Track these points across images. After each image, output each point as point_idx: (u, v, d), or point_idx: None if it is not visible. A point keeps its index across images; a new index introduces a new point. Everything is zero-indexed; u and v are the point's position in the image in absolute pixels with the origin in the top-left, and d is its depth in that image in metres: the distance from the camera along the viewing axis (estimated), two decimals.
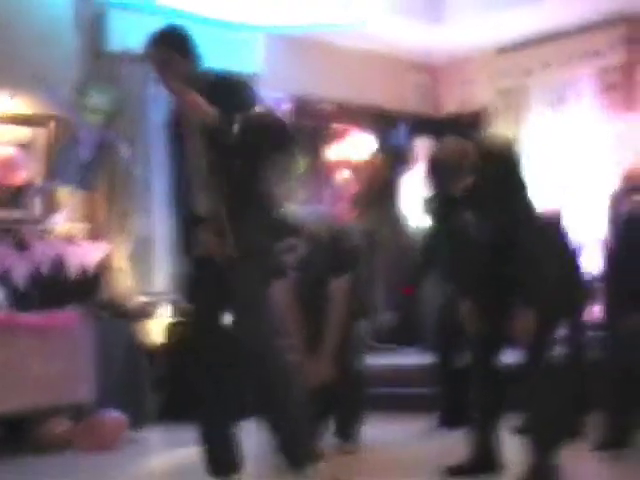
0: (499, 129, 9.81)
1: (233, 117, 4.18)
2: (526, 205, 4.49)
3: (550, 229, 5.68)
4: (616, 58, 9.17)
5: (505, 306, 4.36)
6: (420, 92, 10.76)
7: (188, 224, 4.32)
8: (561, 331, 5.96)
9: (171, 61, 4.40)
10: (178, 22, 8.36)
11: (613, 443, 5.30)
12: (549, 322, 4.52)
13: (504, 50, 10.09)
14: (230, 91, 4.32)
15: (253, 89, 4.48)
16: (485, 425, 4.72)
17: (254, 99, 4.44)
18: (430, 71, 10.82)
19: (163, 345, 7.65)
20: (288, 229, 5.46)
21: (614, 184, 8.54)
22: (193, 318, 4.51)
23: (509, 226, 4.34)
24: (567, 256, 5.97)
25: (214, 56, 8.80)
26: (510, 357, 4.63)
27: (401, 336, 9.46)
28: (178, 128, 4.35)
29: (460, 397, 6.08)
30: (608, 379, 5.45)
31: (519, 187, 4.49)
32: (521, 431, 4.86)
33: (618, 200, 8.30)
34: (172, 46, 4.46)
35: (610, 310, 5.60)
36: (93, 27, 8.21)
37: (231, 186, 4.17)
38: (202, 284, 4.32)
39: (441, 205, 4.69)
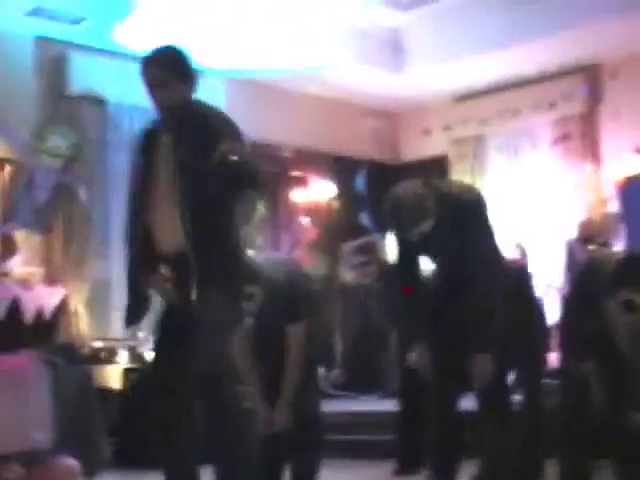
0: (456, 177, 9.89)
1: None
2: (488, 250, 4.47)
3: (514, 275, 5.70)
4: (572, 108, 9.30)
5: (462, 351, 4.34)
6: (378, 139, 10.85)
7: (144, 264, 4.15)
8: (519, 378, 6.01)
9: (167, 84, 4.05)
10: (138, 64, 8.48)
11: None
12: (502, 369, 4.51)
13: (461, 99, 10.21)
14: (217, 125, 3.96)
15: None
16: (443, 472, 4.70)
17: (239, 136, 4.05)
18: (389, 118, 10.91)
19: (119, 391, 7.58)
20: (247, 275, 5.44)
21: (570, 233, 8.65)
22: (153, 366, 4.40)
23: (465, 271, 4.31)
24: (528, 303, 6.00)
25: None
26: (470, 403, 4.63)
27: (360, 383, 9.47)
28: (150, 150, 4.06)
29: (418, 443, 6.08)
30: (562, 426, 5.47)
31: (480, 233, 4.47)
32: (477, 479, 4.85)
33: (574, 249, 8.40)
34: (168, 68, 4.10)
35: (564, 357, 5.62)
36: (54, 69, 8.20)
37: (201, 219, 3.90)
38: (164, 331, 4.25)
39: (398, 246, 4.63)
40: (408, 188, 4.33)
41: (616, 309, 4.32)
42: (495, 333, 4.30)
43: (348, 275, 6.54)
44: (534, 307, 6.21)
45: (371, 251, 6.12)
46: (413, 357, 4.53)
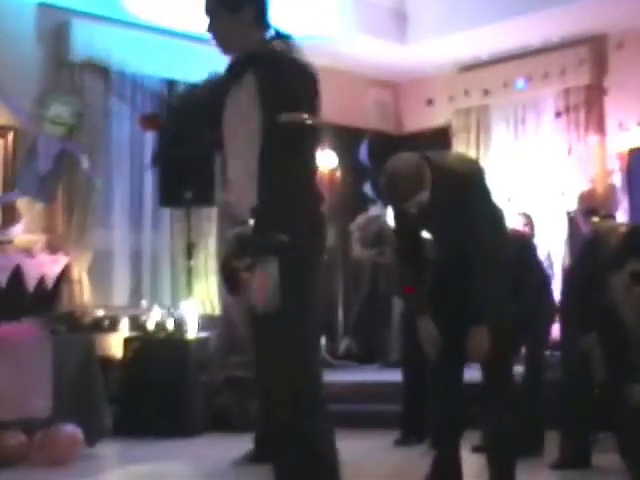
0: (459, 148, 9.86)
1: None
2: (487, 221, 4.44)
3: (518, 245, 5.68)
4: (577, 79, 9.25)
5: (464, 323, 4.33)
6: (381, 110, 10.81)
7: None
8: (522, 349, 6.01)
9: (216, 16, 3.49)
10: (143, 33, 8.42)
11: (571, 462, 5.33)
12: (503, 340, 4.50)
13: (465, 69, 10.16)
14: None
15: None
16: (446, 443, 4.71)
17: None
18: (392, 89, 10.87)
19: (121, 359, 7.60)
20: (247, 245, 5.43)
21: (572, 205, 8.62)
22: None
23: (466, 243, 4.29)
24: (532, 272, 5.99)
25: (178, 67, 8.87)
26: (472, 374, 4.63)
27: (363, 353, 9.51)
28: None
29: (421, 414, 6.10)
30: (563, 398, 5.48)
31: (478, 204, 4.43)
32: (480, 449, 4.87)
33: (576, 221, 8.38)
34: None
35: (566, 330, 5.63)
36: (56, 36, 8.16)
37: None
38: None
39: (396, 220, 4.60)
40: (403, 159, 4.30)
41: (622, 281, 4.31)
42: (495, 303, 4.28)
43: (362, 253, 6.51)
44: (540, 277, 6.20)
45: (383, 239, 6.10)
46: (419, 327, 4.48)
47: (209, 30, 3.52)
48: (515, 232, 6.17)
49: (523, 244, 6.08)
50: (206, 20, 3.50)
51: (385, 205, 4.64)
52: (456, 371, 4.53)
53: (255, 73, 3.34)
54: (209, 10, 3.50)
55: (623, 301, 4.48)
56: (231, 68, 3.55)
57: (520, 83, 9.69)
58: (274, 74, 3.31)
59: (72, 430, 6.29)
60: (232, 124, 3.44)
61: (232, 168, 3.47)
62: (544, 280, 6.30)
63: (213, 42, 3.53)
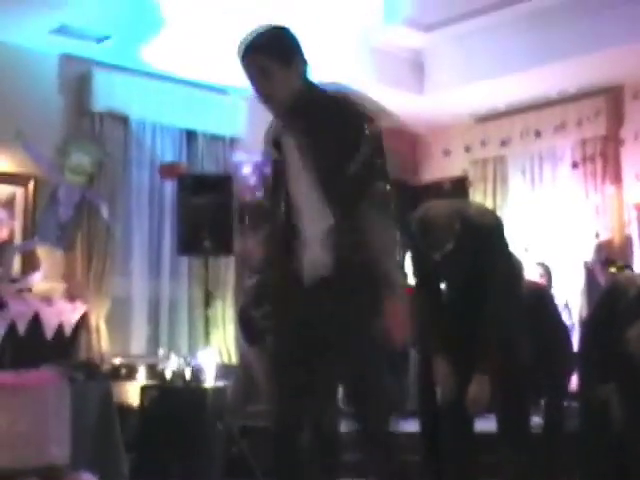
0: (476, 198, 9.89)
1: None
2: (504, 273, 4.48)
3: (536, 296, 5.69)
4: (594, 130, 9.28)
5: (474, 365, 4.33)
6: (399, 159, 10.84)
7: None
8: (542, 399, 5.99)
9: (270, 72, 3.44)
10: (162, 83, 8.49)
11: None
12: (518, 387, 4.49)
13: (482, 119, 10.22)
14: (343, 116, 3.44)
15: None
16: None
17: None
18: (409, 139, 10.91)
19: (138, 407, 7.60)
20: (265, 295, 5.46)
21: (589, 255, 8.62)
22: None
23: (481, 292, 4.33)
24: (551, 323, 5.99)
25: (197, 118, 8.98)
26: (488, 424, 4.62)
27: None
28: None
29: (438, 465, 6.06)
30: (582, 449, 5.45)
31: (498, 256, 4.49)
32: None
33: (594, 271, 8.38)
34: (270, 53, 3.44)
35: (584, 380, 5.61)
36: (78, 86, 8.27)
37: None
38: None
39: (416, 263, 4.67)
40: (440, 209, 4.41)
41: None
42: (500, 354, 4.30)
43: None
44: (558, 327, 6.20)
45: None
46: (435, 371, 4.50)
47: (262, 90, 3.45)
48: (533, 283, 6.18)
49: (540, 294, 6.09)
50: (254, 82, 3.45)
51: (404, 252, 4.69)
52: (471, 417, 4.53)
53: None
54: (261, 70, 3.43)
55: None
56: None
57: None
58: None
59: (89, 477, 6.28)
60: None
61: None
62: (562, 330, 6.29)
63: (263, 100, 3.48)
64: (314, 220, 3.37)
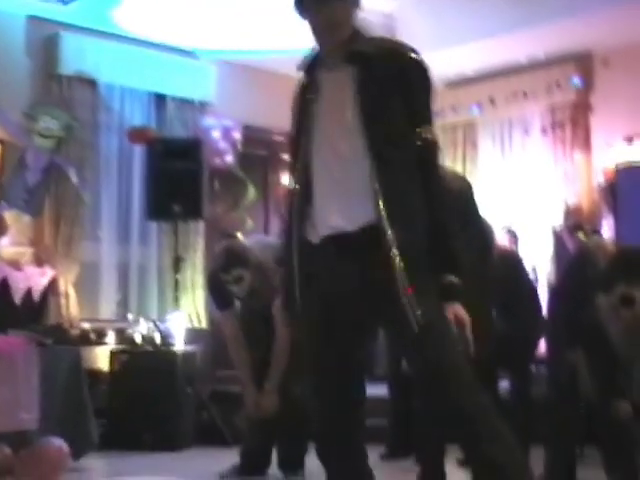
0: (447, 163, 9.89)
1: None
2: (477, 236, 4.49)
3: (505, 260, 5.72)
4: (564, 96, 9.30)
5: None
6: None
7: None
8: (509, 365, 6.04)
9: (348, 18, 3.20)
10: (132, 46, 8.42)
11: (556, 477, 5.35)
12: (486, 356, 4.52)
13: (452, 85, 10.21)
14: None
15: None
16: (432, 456, 4.73)
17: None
18: None
19: (107, 372, 7.59)
20: (236, 259, 5.45)
21: (558, 221, 8.67)
22: None
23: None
24: (520, 288, 6.02)
25: (167, 81, 8.91)
26: None
27: None
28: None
29: (409, 428, 6.11)
30: (549, 413, 5.50)
31: (470, 219, 4.49)
32: (464, 463, 4.88)
33: (562, 237, 8.42)
34: None
35: (553, 345, 5.65)
36: (46, 49, 8.18)
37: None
38: None
39: None
40: None
41: (610, 302, 4.35)
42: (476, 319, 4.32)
43: None
44: (528, 292, 6.23)
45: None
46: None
47: (335, 16, 3.15)
48: (502, 248, 6.21)
49: (510, 259, 6.12)
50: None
51: None
52: None
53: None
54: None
55: (610, 321, 4.52)
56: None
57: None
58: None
59: (58, 444, 6.26)
60: None
61: None
62: (532, 295, 6.33)
63: (328, 27, 3.14)
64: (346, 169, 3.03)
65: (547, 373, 5.78)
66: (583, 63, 9.32)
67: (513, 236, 7.43)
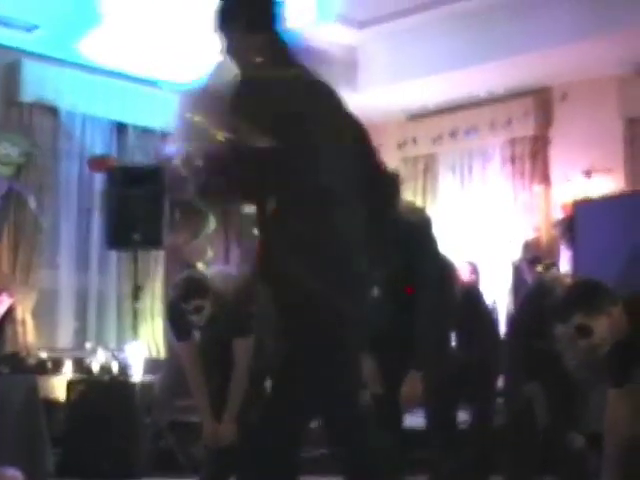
0: (407, 195, 9.93)
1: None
2: (434, 270, 4.51)
3: (464, 293, 5.74)
4: (523, 130, 9.40)
5: (405, 365, 4.36)
6: None
7: None
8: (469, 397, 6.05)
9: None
10: (93, 75, 8.40)
11: None
12: (444, 387, 4.54)
13: (414, 117, 10.28)
14: None
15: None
16: None
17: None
18: None
19: (64, 401, 7.52)
20: (196, 289, 5.43)
21: (517, 254, 8.73)
22: None
23: (411, 288, 4.35)
24: (479, 320, 6.05)
25: (128, 110, 8.89)
26: (417, 420, 4.66)
27: None
28: None
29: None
30: (507, 444, 5.53)
31: (427, 254, 4.51)
32: None
33: (521, 269, 8.48)
34: (232, 23, 3.37)
35: (509, 377, 5.68)
36: (6, 76, 8.15)
37: None
38: None
39: None
40: None
41: (567, 333, 4.38)
42: (434, 351, 4.33)
43: None
44: (488, 324, 6.26)
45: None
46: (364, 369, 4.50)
47: None
48: (462, 282, 6.24)
49: (470, 293, 6.15)
50: None
51: None
52: (399, 415, 4.55)
53: None
54: None
55: (567, 352, 4.55)
56: None
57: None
58: None
59: (12, 474, 6.19)
60: None
61: None
62: (492, 327, 6.36)
63: None
64: None
65: (504, 405, 5.81)
66: (542, 97, 9.43)
67: (474, 268, 7.47)
